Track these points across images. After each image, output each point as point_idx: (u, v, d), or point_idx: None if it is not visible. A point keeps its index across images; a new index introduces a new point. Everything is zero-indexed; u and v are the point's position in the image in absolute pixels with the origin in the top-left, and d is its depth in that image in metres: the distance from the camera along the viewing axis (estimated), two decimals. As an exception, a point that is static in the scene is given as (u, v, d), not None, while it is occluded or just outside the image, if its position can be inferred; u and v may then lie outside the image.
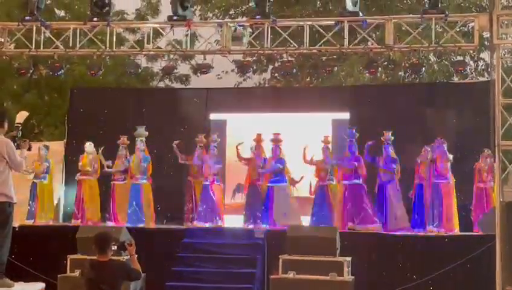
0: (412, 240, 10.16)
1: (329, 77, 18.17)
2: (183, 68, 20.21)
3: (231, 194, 12.85)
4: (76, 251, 9.10)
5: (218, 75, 19.67)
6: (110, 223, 11.47)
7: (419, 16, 10.15)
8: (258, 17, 10.40)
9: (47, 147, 12.25)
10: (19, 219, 10.12)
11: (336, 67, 17.83)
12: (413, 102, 12.94)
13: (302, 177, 11.58)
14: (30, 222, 11.73)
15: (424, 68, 11.93)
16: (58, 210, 12.95)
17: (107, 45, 10.84)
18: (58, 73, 11.55)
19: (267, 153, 11.63)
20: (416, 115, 12.70)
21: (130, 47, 12.45)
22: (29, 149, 7.49)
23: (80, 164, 12.06)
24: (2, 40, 10.89)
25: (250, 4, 11.50)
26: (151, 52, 11.51)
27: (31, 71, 12.01)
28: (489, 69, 16.57)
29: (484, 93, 10.58)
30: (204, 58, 10.81)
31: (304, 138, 11.99)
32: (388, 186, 10.94)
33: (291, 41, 10.71)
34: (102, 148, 11.89)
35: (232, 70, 18.39)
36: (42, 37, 10.86)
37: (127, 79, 17.94)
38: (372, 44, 11.68)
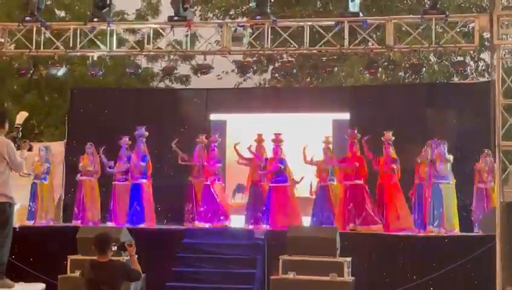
0: (412, 240, 10.16)
1: (330, 77, 18.17)
2: (183, 68, 20.21)
3: (231, 194, 12.86)
4: (76, 251, 9.11)
5: (219, 75, 19.68)
6: (110, 224, 11.47)
7: (419, 16, 10.15)
8: (258, 17, 10.40)
9: (47, 148, 12.25)
10: (19, 220, 10.12)
11: (336, 68, 17.84)
12: (413, 102, 12.95)
13: (302, 178, 11.57)
14: (30, 223, 11.74)
15: (424, 69, 11.94)
16: (58, 211, 12.95)
17: (107, 46, 10.83)
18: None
19: (268, 154, 11.62)
20: (416, 115, 12.70)
21: (130, 47, 12.45)
22: (30, 150, 7.50)
23: (81, 164, 12.06)
24: (3, 40, 10.89)
25: (251, 4, 11.48)
26: (152, 53, 11.51)
27: (31, 71, 11.99)
28: (489, 70, 16.57)
29: (484, 94, 10.60)
30: (205, 59, 10.80)
31: (304, 138, 11.99)
32: (389, 186, 10.92)
33: (292, 41, 10.71)
34: (102, 149, 11.89)
35: (232, 71, 18.39)
36: (42, 38, 10.85)
37: (127, 79, 17.94)
38: (372, 44, 11.68)
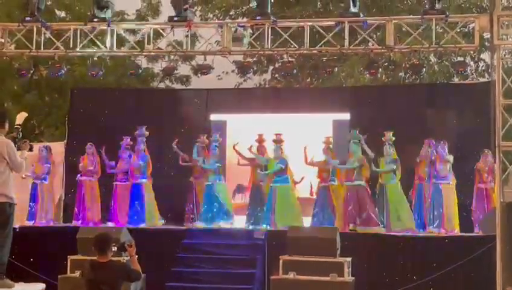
0: (413, 240, 10.16)
1: (330, 77, 18.16)
2: (183, 69, 20.21)
3: (231, 194, 12.84)
4: (76, 251, 9.12)
5: (219, 75, 19.68)
6: (110, 224, 11.47)
7: (419, 16, 10.15)
8: (258, 17, 10.40)
9: (47, 148, 12.25)
10: (19, 220, 10.12)
11: (336, 68, 17.85)
12: (413, 103, 12.95)
13: (302, 178, 11.58)
14: (30, 223, 11.74)
15: (424, 69, 11.94)
16: (58, 211, 12.95)
17: (108, 46, 10.83)
18: (59, 74, 11.55)
19: (269, 154, 11.62)
20: (416, 115, 12.71)
21: (130, 48, 12.45)
22: (30, 150, 7.49)
23: (81, 164, 12.07)
24: (3, 40, 10.89)
25: (251, 5, 11.47)
26: (152, 53, 11.51)
27: (32, 72, 11.99)
28: (489, 70, 16.57)
29: (484, 94, 10.59)
30: (205, 59, 10.81)
31: (305, 138, 11.99)
32: (389, 186, 10.91)
33: (292, 42, 10.71)
34: (103, 149, 11.89)
35: (233, 71, 18.37)
36: (43, 38, 10.85)
37: (127, 80, 17.94)
38: (372, 45, 11.68)
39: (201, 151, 11.89)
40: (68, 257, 9.09)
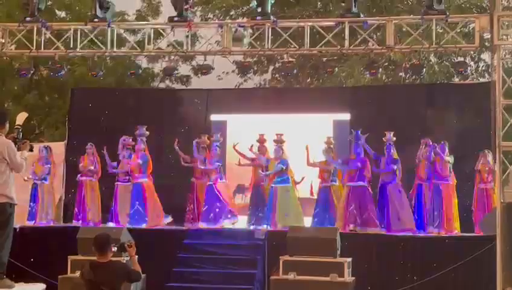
0: (413, 241, 10.15)
1: (330, 77, 18.18)
2: (183, 69, 20.27)
3: (231, 195, 12.82)
4: (77, 251, 9.12)
5: (219, 76, 19.71)
6: (111, 224, 11.47)
7: (419, 16, 10.15)
8: (258, 17, 10.39)
9: (48, 148, 12.25)
10: (19, 220, 10.12)
11: (336, 68, 17.80)
12: (413, 103, 12.96)
13: (303, 178, 11.57)
14: (31, 223, 11.74)
15: (424, 69, 11.92)
16: (59, 211, 12.95)
17: (108, 46, 10.83)
18: (59, 74, 11.56)
19: (270, 154, 11.62)
20: (416, 115, 12.72)
21: (130, 48, 12.45)
22: (30, 150, 7.49)
23: (81, 164, 12.07)
24: (3, 40, 10.89)
25: (251, 5, 11.48)
26: (152, 53, 11.50)
27: (32, 72, 12.00)
28: (490, 70, 16.57)
29: (485, 94, 10.58)
30: (205, 59, 10.80)
31: (305, 138, 11.99)
32: (390, 187, 10.91)
33: (292, 42, 10.71)
34: (105, 149, 11.89)
35: (233, 71, 18.40)
36: (43, 38, 10.85)
37: (127, 80, 17.96)
38: (372, 45, 11.67)
39: (202, 151, 11.88)
40: (68, 257, 9.10)
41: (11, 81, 18.33)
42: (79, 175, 12.11)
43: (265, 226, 11.10)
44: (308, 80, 20.11)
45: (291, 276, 8.64)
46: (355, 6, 10.12)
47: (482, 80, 18.46)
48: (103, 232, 6.29)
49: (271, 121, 13.10)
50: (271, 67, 20.61)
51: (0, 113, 7.49)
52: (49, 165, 12.01)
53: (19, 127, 7.46)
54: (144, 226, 11.28)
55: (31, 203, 11.85)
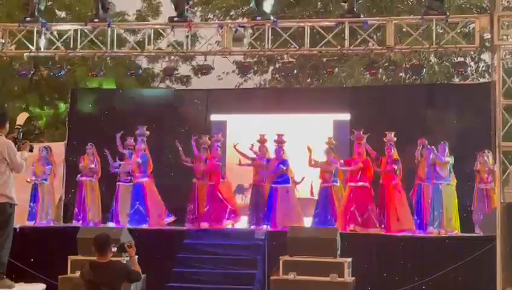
0: (413, 241, 10.15)
1: (330, 78, 18.19)
2: (183, 69, 20.27)
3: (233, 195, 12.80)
4: (77, 251, 9.12)
5: (219, 76, 19.72)
6: (111, 224, 11.47)
7: (419, 17, 10.15)
8: (258, 18, 10.40)
9: (48, 148, 12.26)
10: (19, 220, 10.13)
11: (336, 68, 17.86)
12: (413, 103, 12.96)
13: (303, 178, 11.56)
14: (31, 223, 11.74)
15: (424, 69, 11.93)
16: (59, 211, 12.95)
17: (108, 46, 10.83)
18: (59, 74, 11.56)
19: (271, 154, 11.62)
20: (416, 116, 12.71)
21: (130, 48, 12.45)
22: (30, 150, 7.48)
23: (81, 165, 12.08)
24: (3, 41, 10.89)
25: (251, 5, 11.47)
26: (152, 54, 11.51)
27: (32, 72, 12.00)
28: (490, 70, 16.57)
29: (485, 95, 10.58)
30: (205, 59, 10.81)
31: (305, 139, 11.99)
32: (390, 187, 10.90)
33: (292, 42, 10.71)
34: (108, 152, 11.88)
35: (233, 72, 18.40)
36: (43, 38, 10.85)
37: (127, 80, 17.95)
38: (372, 45, 11.68)
39: (203, 151, 11.87)
40: (68, 257, 9.10)
41: (12, 81, 18.33)
42: (79, 175, 12.12)
43: (265, 226, 11.10)
44: (308, 80, 20.12)
45: (291, 276, 8.64)
46: (356, 7, 10.13)
47: (482, 80, 18.47)
48: (103, 232, 6.29)
49: (271, 121, 13.10)
50: (271, 68, 20.62)
51: (1, 114, 7.48)
52: (50, 166, 12.02)
53: (19, 127, 7.46)
54: (145, 226, 11.28)
55: (31, 203, 11.86)
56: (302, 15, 18.74)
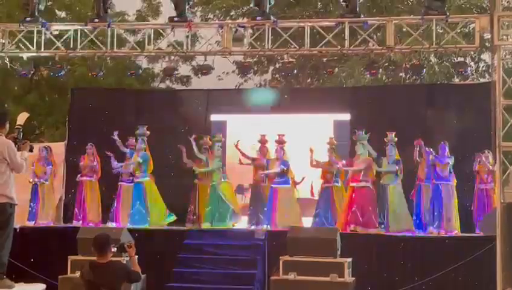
0: (413, 241, 10.15)
1: (330, 78, 18.19)
2: (184, 69, 20.27)
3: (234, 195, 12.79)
4: (77, 252, 9.12)
5: (219, 76, 19.72)
6: (112, 224, 11.47)
7: (420, 17, 10.15)
8: (258, 18, 10.39)
9: (48, 148, 12.26)
10: (20, 220, 10.13)
11: (336, 69, 17.86)
12: (414, 103, 12.96)
13: (303, 178, 11.56)
14: (31, 223, 11.74)
15: (424, 69, 11.92)
16: (59, 211, 12.95)
17: (108, 46, 10.83)
18: (59, 74, 11.57)
19: (271, 154, 11.61)
20: (417, 116, 12.71)
21: (130, 48, 12.46)
22: (30, 150, 7.48)
23: (82, 163, 12.08)
24: (3, 41, 10.89)
25: (251, 5, 11.48)
26: (152, 54, 11.51)
27: (32, 72, 12.00)
28: (490, 70, 16.57)
29: (485, 95, 10.58)
30: (205, 60, 10.81)
31: (305, 139, 11.99)
32: (391, 187, 10.89)
33: (292, 42, 10.71)
34: (112, 156, 11.87)
35: (233, 72, 18.41)
36: (43, 38, 10.86)
37: (127, 80, 17.96)
38: (373, 45, 11.67)
39: (205, 152, 11.87)
40: (68, 257, 9.09)
41: (12, 81, 18.33)
42: (79, 175, 12.12)
43: (265, 226, 11.10)
44: (309, 80, 20.12)
45: (291, 276, 8.64)
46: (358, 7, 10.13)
47: (482, 80, 18.46)
48: (103, 232, 6.28)
49: (271, 121, 13.10)
50: (271, 68, 20.62)
51: (1, 114, 7.48)
52: (50, 167, 12.02)
53: (19, 127, 7.46)
54: (145, 226, 11.28)
55: (31, 204, 11.86)
56: (302, 15, 18.74)
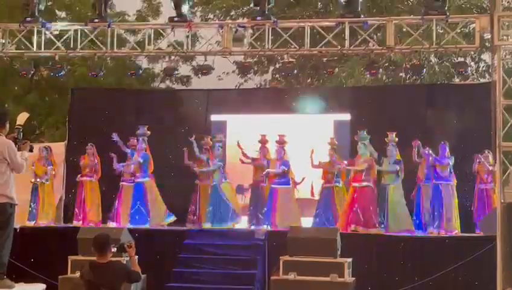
0: (413, 241, 10.15)
1: (330, 78, 18.17)
2: (184, 69, 20.26)
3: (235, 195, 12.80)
4: (77, 252, 9.12)
5: (219, 76, 19.71)
6: (112, 224, 11.47)
7: (420, 17, 10.15)
8: (258, 18, 10.40)
9: (48, 148, 12.25)
10: (20, 220, 10.13)
11: (336, 69, 17.84)
12: (414, 103, 12.96)
13: (303, 179, 11.56)
14: (31, 223, 11.75)
15: (425, 69, 11.92)
16: (59, 211, 12.95)
17: (108, 46, 10.83)
18: (59, 74, 11.57)
19: (272, 155, 11.61)
20: (417, 116, 12.72)
21: (131, 48, 12.47)
22: (30, 150, 7.48)
23: (82, 162, 12.08)
24: (3, 41, 10.89)
25: (251, 5, 11.48)
26: (152, 54, 11.51)
27: (32, 72, 12.00)
28: (490, 71, 16.57)
29: (485, 95, 10.58)
30: (205, 60, 10.81)
31: (305, 139, 11.98)
32: (392, 187, 10.88)
33: (292, 42, 10.71)
34: (114, 157, 11.87)
35: (233, 72, 18.40)
36: (43, 38, 10.86)
37: (127, 80, 17.95)
38: (373, 45, 11.68)
39: (206, 152, 11.86)
40: (68, 257, 9.10)
41: (12, 81, 18.33)
42: (79, 175, 12.13)
43: (265, 226, 11.10)
44: (309, 80, 20.11)
45: (291, 276, 8.65)
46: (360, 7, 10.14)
47: (482, 80, 18.45)
48: (103, 232, 6.27)
49: (271, 121, 13.10)
50: (271, 68, 20.61)
51: (1, 114, 7.48)
52: (51, 167, 12.02)
53: (19, 127, 7.46)
54: (146, 226, 11.28)
55: (32, 204, 11.86)
56: (302, 15, 18.74)
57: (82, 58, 13.77)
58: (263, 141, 11.74)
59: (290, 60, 11.28)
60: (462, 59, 12.89)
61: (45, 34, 10.85)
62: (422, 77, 14.09)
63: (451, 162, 10.68)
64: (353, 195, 10.91)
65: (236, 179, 12.52)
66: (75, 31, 10.87)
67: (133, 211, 11.49)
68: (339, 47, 10.43)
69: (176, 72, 13.00)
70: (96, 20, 10.66)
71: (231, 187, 11.90)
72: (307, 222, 11.28)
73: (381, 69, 12.44)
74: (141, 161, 11.60)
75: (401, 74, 18.08)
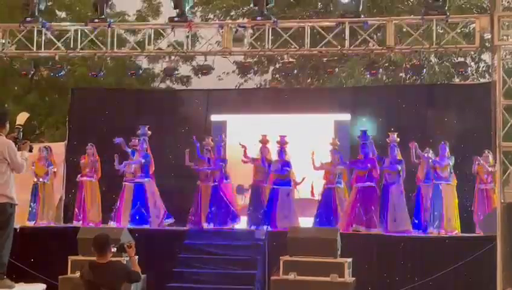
0: (413, 241, 10.16)
1: (330, 78, 18.18)
2: (184, 69, 20.26)
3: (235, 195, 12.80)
4: (77, 252, 9.11)
5: (219, 76, 19.70)
6: (113, 224, 11.47)
7: (420, 17, 10.15)
8: (259, 18, 10.40)
9: (48, 148, 12.25)
10: (20, 220, 10.13)
11: (336, 69, 17.85)
12: (414, 103, 12.95)
13: (303, 179, 11.56)
14: (31, 223, 11.75)
15: (425, 69, 11.91)
16: (59, 211, 12.95)
17: (108, 46, 10.83)
18: (59, 74, 11.57)
19: (272, 155, 11.61)
20: (417, 116, 12.71)
21: (131, 48, 12.48)
22: (30, 150, 7.49)
23: (82, 161, 12.08)
24: (3, 41, 10.89)
25: (251, 5, 11.49)
26: (152, 54, 11.51)
27: (32, 72, 12.00)
28: (490, 71, 16.57)
29: (485, 95, 10.59)
30: (205, 60, 10.81)
31: (305, 139, 11.98)
32: (392, 187, 10.88)
33: (292, 42, 10.71)
34: (117, 156, 11.88)
35: (233, 72, 18.40)
36: (43, 38, 10.86)
37: (127, 80, 17.96)
38: (373, 45, 11.67)
39: (207, 153, 11.86)
40: (69, 257, 9.09)
41: (12, 81, 18.33)
42: (79, 175, 12.13)
43: (265, 226, 11.10)
44: (309, 80, 20.11)
45: (291, 276, 8.65)
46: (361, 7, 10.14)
47: (482, 80, 18.44)
48: (102, 232, 6.28)
49: (271, 121, 13.10)
50: (271, 68, 20.61)
51: (1, 114, 7.48)
52: (52, 167, 12.02)
53: (19, 127, 7.46)
54: (145, 226, 11.28)
55: (32, 204, 11.86)
56: (303, 15, 18.74)
57: (82, 58, 13.77)
58: (264, 141, 11.73)
59: (290, 60, 11.28)
60: (462, 59, 12.89)
61: (45, 34, 10.85)
62: (422, 77, 14.09)
63: (451, 162, 10.68)
64: (356, 195, 10.90)
65: (237, 179, 12.52)
66: (75, 31, 10.87)
67: (133, 211, 11.49)
68: (339, 47, 10.43)
69: (176, 72, 13.00)
70: (96, 20, 10.67)
71: (231, 187, 11.90)
72: (307, 222, 11.27)
73: (381, 69, 12.45)
74: (143, 161, 11.60)
75: (401, 74, 18.08)
